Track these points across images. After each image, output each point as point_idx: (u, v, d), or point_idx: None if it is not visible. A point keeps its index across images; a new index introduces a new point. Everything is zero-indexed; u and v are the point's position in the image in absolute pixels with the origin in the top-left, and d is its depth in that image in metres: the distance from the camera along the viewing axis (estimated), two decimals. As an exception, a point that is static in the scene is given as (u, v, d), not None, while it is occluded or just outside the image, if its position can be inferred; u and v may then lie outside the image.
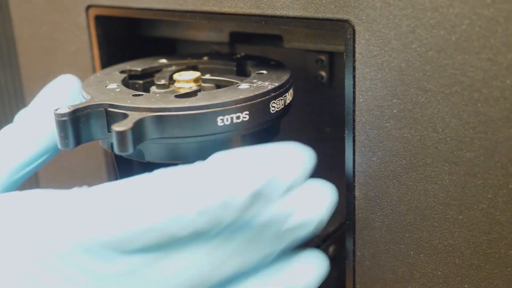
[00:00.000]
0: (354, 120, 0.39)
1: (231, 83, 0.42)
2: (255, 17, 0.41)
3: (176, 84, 0.42)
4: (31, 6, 0.53)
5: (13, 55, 0.80)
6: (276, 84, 0.39)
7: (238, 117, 0.37)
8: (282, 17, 0.40)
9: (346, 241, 0.43)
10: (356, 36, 0.37)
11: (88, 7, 0.50)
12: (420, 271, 0.39)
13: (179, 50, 0.57)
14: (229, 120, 0.37)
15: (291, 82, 0.41)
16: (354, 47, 0.37)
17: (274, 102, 0.39)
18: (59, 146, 0.37)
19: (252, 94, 0.37)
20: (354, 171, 0.40)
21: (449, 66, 0.34)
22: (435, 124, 0.36)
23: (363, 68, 0.37)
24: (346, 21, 0.37)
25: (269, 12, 0.40)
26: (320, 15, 0.38)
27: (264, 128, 0.39)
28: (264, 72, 0.42)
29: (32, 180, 0.86)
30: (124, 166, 0.44)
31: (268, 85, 0.39)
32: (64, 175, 0.57)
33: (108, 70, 0.46)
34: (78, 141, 0.37)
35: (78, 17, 0.50)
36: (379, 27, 0.36)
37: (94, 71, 0.51)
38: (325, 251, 0.50)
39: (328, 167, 0.53)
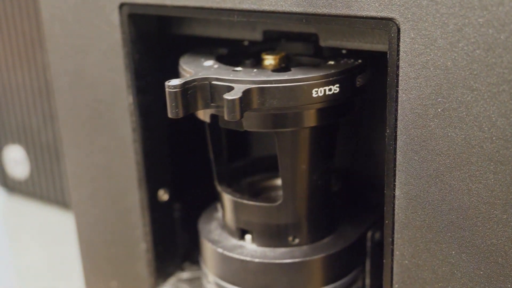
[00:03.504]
0: (396, 119, 0.39)
1: (316, 62, 0.46)
2: (296, 15, 0.41)
3: (265, 62, 0.46)
4: (62, 4, 0.53)
5: (38, 54, 0.80)
6: (360, 61, 0.44)
7: (330, 89, 0.41)
8: (324, 15, 0.39)
9: (384, 240, 0.42)
10: (401, 34, 0.37)
11: (122, 5, 0.49)
12: (461, 270, 0.39)
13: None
14: (322, 92, 0.41)
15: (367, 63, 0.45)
16: (398, 46, 0.37)
17: (359, 77, 0.43)
18: (169, 115, 0.40)
19: (342, 69, 0.42)
20: (395, 170, 0.40)
21: (497, 65, 0.34)
22: (481, 123, 0.36)
23: (407, 66, 0.37)
24: (391, 19, 0.37)
25: (310, 10, 0.40)
26: (364, 13, 0.38)
27: (348, 101, 0.44)
28: (344, 51, 0.46)
29: (59, 177, 0.86)
30: (216, 137, 0.50)
31: (354, 62, 0.43)
32: (93, 173, 0.57)
33: (190, 54, 0.49)
34: (186, 111, 0.40)
35: (110, 15, 0.50)
36: (425, 25, 0.36)
37: (126, 69, 0.51)
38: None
39: (362, 165, 0.53)
